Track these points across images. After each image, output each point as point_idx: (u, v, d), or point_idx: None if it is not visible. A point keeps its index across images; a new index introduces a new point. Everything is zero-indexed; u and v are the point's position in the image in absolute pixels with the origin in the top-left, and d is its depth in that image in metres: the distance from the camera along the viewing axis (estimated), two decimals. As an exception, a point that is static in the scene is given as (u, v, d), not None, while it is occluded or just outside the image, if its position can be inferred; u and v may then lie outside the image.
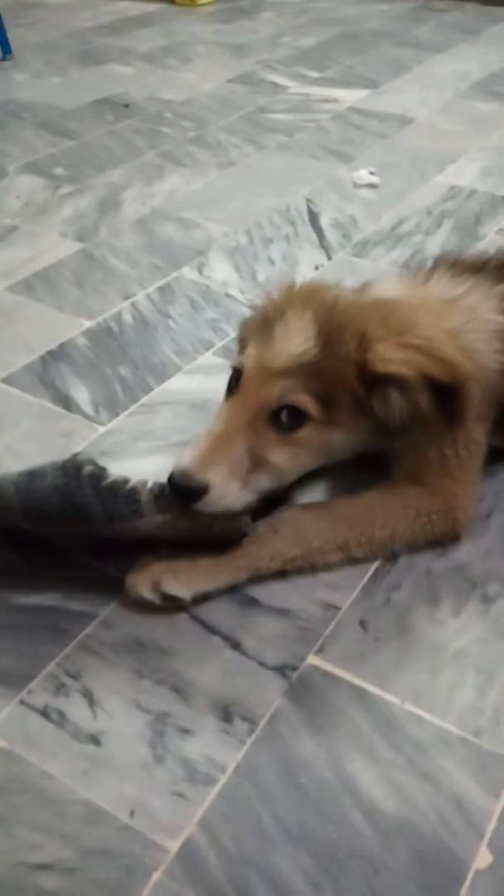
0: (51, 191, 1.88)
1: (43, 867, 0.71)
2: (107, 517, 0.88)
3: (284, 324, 0.88)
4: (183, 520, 0.89)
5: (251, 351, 0.90)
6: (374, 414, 0.89)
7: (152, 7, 3.44)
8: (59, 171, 1.98)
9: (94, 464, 0.90)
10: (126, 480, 0.89)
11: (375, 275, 1.48)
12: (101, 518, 0.88)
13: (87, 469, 0.88)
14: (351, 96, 2.42)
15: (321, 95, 2.43)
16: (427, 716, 0.82)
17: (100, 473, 0.88)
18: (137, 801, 0.75)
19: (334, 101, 2.39)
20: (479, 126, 2.19)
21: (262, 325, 0.91)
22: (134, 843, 0.72)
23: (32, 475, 0.90)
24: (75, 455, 0.88)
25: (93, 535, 0.90)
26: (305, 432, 0.89)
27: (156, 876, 0.70)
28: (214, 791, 0.76)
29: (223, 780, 0.77)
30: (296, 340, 0.87)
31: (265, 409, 0.88)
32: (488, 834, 0.73)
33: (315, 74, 2.61)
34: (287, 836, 0.73)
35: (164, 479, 0.89)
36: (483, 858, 0.71)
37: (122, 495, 0.88)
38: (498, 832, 0.73)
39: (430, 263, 1.05)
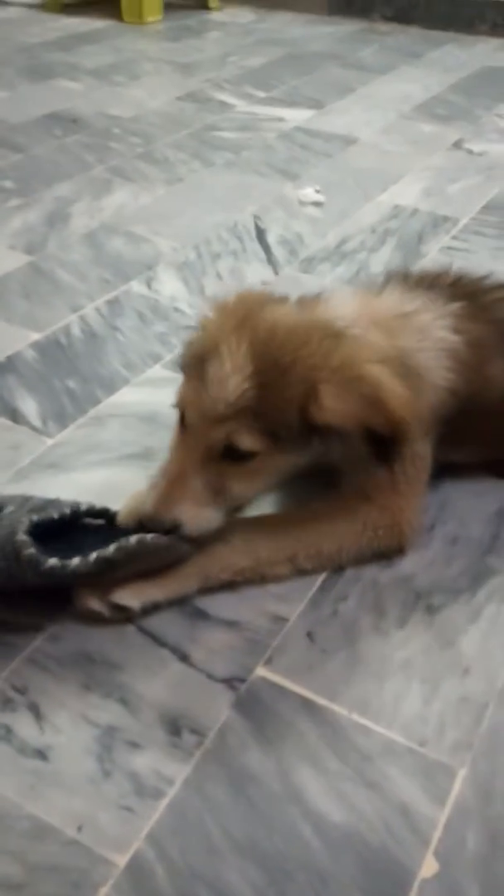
0: (-3, 203, 1.87)
1: (-11, 884, 0.70)
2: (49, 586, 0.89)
3: (219, 362, 0.86)
4: (127, 568, 0.90)
5: (189, 392, 0.89)
6: (314, 448, 0.90)
7: (100, 24, 3.45)
8: (8, 184, 1.97)
9: (33, 545, 0.86)
10: (65, 566, 0.86)
11: (322, 290, 1.51)
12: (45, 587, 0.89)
13: (26, 554, 0.85)
14: (297, 116, 2.45)
15: (268, 115, 2.46)
16: (373, 726, 0.83)
17: (38, 560, 0.85)
18: (85, 815, 0.75)
19: (280, 120, 2.42)
20: (421, 147, 2.24)
21: (198, 359, 0.89)
22: (81, 859, 0.72)
23: None
24: (13, 535, 0.85)
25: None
26: (258, 461, 0.89)
27: (104, 891, 0.70)
28: (163, 805, 0.76)
29: (171, 793, 0.77)
30: (232, 383, 0.85)
31: (214, 448, 0.88)
32: (434, 842, 0.74)
33: (262, 94, 2.64)
34: (236, 849, 0.73)
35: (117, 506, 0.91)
36: (429, 867, 0.72)
37: (63, 577, 0.87)
38: (443, 841, 0.74)
39: (382, 277, 1.06)
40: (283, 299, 0.96)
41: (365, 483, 0.98)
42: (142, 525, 0.89)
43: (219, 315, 0.92)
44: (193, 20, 3.55)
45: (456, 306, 0.98)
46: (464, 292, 1.02)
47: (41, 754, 0.79)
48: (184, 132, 2.32)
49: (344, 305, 0.94)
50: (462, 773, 0.79)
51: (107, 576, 0.89)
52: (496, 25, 3.29)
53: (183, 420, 0.91)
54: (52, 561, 0.86)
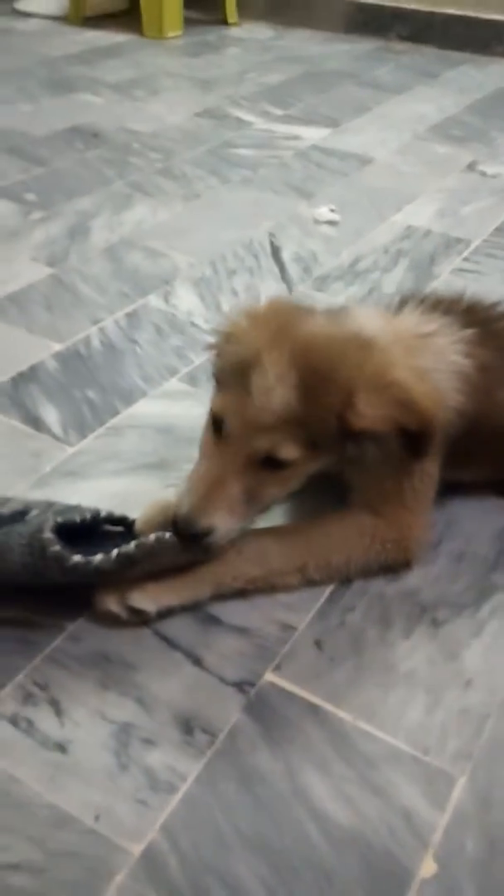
0: (22, 216, 1.92)
1: (12, 867, 0.74)
2: (73, 584, 0.94)
3: (262, 373, 0.88)
4: (146, 565, 0.94)
5: (231, 403, 0.91)
6: (349, 451, 0.94)
7: (121, 38, 3.51)
8: (31, 196, 2.02)
9: (59, 542, 0.91)
10: (88, 562, 0.91)
11: (345, 305, 1.55)
12: (66, 582, 0.93)
13: (52, 550, 0.90)
14: (313, 134, 2.50)
15: (284, 132, 2.51)
16: (378, 733, 0.87)
17: (63, 556, 0.90)
18: (102, 806, 0.79)
19: (297, 138, 2.47)
20: (435, 168, 2.28)
21: (239, 371, 0.91)
22: (99, 847, 0.76)
23: (2, 550, 0.93)
24: (42, 533, 0.90)
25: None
26: (293, 468, 0.92)
27: (119, 878, 0.74)
28: (176, 799, 0.80)
29: (184, 788, 0.81)
30: (277, 394, 0.88)
31: (255, 457, 0.91)
32: (433, 845, 0.78)
33: (279, 111, 2.69)
34: (244, 844, 0.77)
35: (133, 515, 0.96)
36: (428, 868, 0.76)
37: (84, 573, 0.91)
38: (443, 844, 0.78)
39: (398, 297, 1.10)
40: (311, 310, 0.99)
41: (374, 498, 1.02)
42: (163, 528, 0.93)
43: (254, 325, 0.94)
44: (213, 35, 3.61)
45: (469, 332, 1.03)
46: (476, 319, 1.06)
47: (61, 747, 0.84)
48: (202, 148, 2.37)
49: (369, 320, 0.97)
50: (462, 781, 0.83)
51: (126, 573, 0.93)
52: (511, 47, 3.34)
53: (218, 427, 0.93)
54: (77, 557, 0.90)
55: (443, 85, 3.04)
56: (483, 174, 2.25)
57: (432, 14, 3.46)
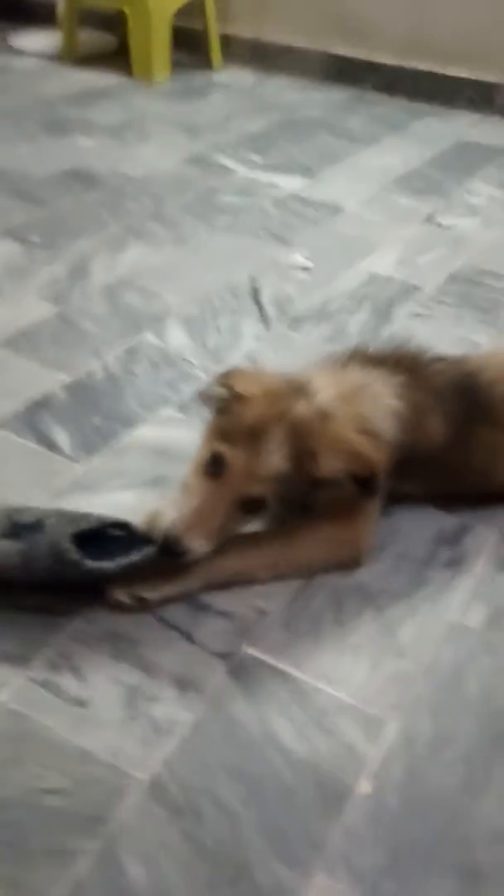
0: (27, 257, 2.16)
1: (47, 791, 0.97)
2: (88, 583, 1.18)
3: (269, 442, 1.15)
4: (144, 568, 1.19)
5: (240, 455, 1.16)
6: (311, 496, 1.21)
7: (112, 79, 3.75)
8: (35, 238, 2.25)
9: (76, 552, 1.14)
10: (100, 568, 1.14)
11: (305, 347, 1.82)
12: (84, 582, 1.18)
13: (70, 558, 1.13)
14: (290, 183, 2.76)
15: (264, 181, 2.76)
16: (330, 690, 1.11)
17: (80, 563, 1.13)
18: (116, 746, 1.02)
19: (275, 186, 2.72)
20: (398, 219, 2.55)
21: (248, 433, 1.16)
22: (114, 776, 0.99)
23: (28, 559, 1.15)
24: (61, 544, 1.14)
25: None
26: (263, 512, 1.21)
27: (131, 798, 0.97)
28: (174, 741, 1.04)
29: (180, 733, 1.05)
30: (276, 459, 1.15)
31: (244, 500, 1.18)
32: (369, 770, 1.02)
33: (259, 160, 2.95)
34: (227, 773, 1.01)
35: (138, 522, 1.20)
36: (364, 786, 1.01)
37: (99, 576, 1.15)
38: (377, 771, 1.02)
39: (347, 353, 1.36)
40: (287, 380, 1.25)
41: (330, 511, 1.27)
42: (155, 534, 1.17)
43: (264, 401, 1.19)
44: (198, 80, 3.86)
45: (401, 378, 1.30)
46: (407, 366, 1.34)
47: (82, 703, 1.07)
48: (189, 194, 2.62)
49: (323, 385, 1.24)
50: (393, 726, 1.08)
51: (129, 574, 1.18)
52: (473, 101, 3.63)
53: (214, 466, 1.18)
54: (91, 563, 1.14)
55: (409, 136, 3.31)
56: (439, 225, 2.52)
57: (402, 68, 3.74)
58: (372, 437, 1.21)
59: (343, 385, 1.26)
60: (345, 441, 1.19)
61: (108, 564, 1.15)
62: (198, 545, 1.16)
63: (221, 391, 1.23)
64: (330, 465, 1.17)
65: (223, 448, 1.18)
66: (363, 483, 1.20)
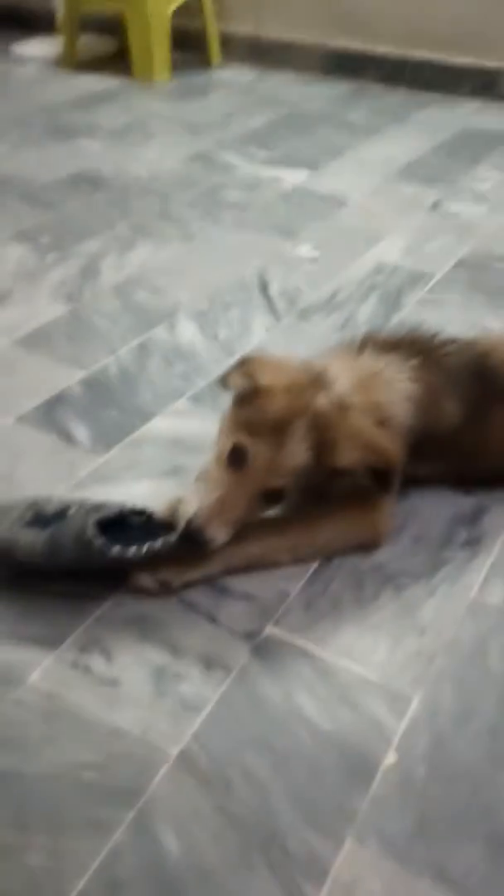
0: (39, 258, 2.19)
1: (83, 766, 1.00)
2: (112, 568, 1.21)
3: (292, 436, 1.17)
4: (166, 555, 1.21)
5: (263, 449, 1.18)
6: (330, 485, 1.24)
7: (113, 83, 3.78)
8: (45, 240, 2.29)
9: (100, 538, 1.17)
10: (125, 552, 1.17)
11: (316, 337, 1.84)
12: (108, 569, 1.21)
13: (96, 545, 1.16)
14: (294, 177, 2.78)
15: (268, 175, 2.79)
16: (353, 666, 1.14)
17: (105, 550, 1.16)
18: (147, 722, 1.05)
19: (280, 180, 2.75)
20: (402, 208, 2.57)
21: (272, 426, 1.18)
22: (146, 750, 1.02)
23: (54, 547, 1.19)
24: (86, 532, 1.16)
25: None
26: (282, 502, 1.23)
27: (163, 770, 1.00)
28: (202, 716, 1.06)
29: (208, 709, 1.07)
30: (298, 452, 1.18)
31: (264, 490, 1.20)
32: (395, 743, 1.05)
33: (263, 154, 2.97)
34: (254, 746, 1.03)
35: (158, 510, 1.24)
36: (391, 758, 1.03)
37: (123, 561, 1.18)
38: (401, 743, 1.05)
39: (359, 339, 1.38)
40: (304, 367, 1.27)
41: (350, 493, 1.29)
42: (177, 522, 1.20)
43: (288, 395, 1.20)
44: (199, 78, 3.89)
45: (414, 361, 1.32)
46: (420, 349, 1.36)
47: (113, 682, 1.10)
48: (195, 191, 2.65)
49: (339, 372, 1.26)
50: (416, 700, 1.10)
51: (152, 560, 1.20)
52: (475, 89, 3.64)
53: (237, 458, 1.20)
54: (116, 549, 1.17)
55: (412, 126, 3.33)
56: (445, 213, 2.54)
57: (402, 58, 3.76)
58: (389, 426, 1.24)
59: (359, 372, 1.28)
60: (363, 433, 1.21)
61: (131, 550, 1.17)
62: (220, 534, 1.19)
63: (242, 381, 1.24)
64: (348, 456, 1.20)
65: (246, 440, 1.20)
66: (380, 475, 1.22)
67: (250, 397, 1.23)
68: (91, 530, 1.18)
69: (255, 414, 1.21)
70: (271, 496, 1.22)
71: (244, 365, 1.26)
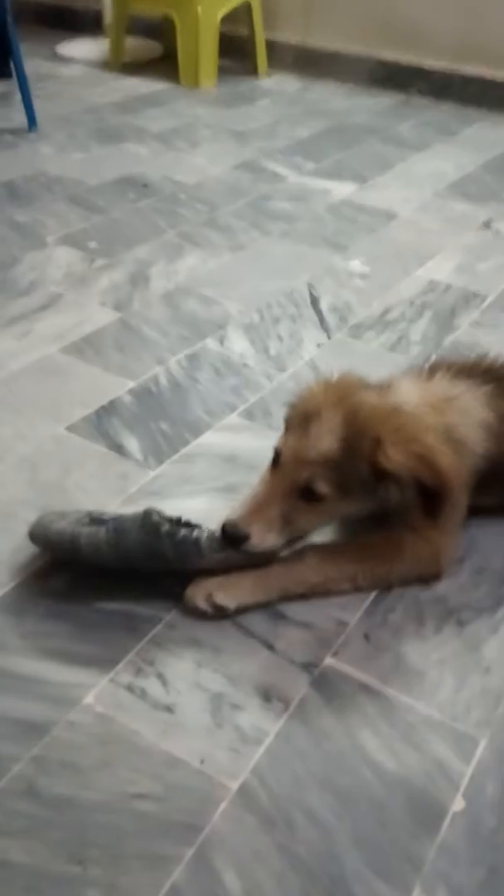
0: (87, 263, 2.17)
1: (139, 796, 0.97)
2: (178, 560, 1.18)
3: (319, 424, 1.14)
4: (231, 557, 1.18)
5: (290, 440, 1.17)
6: (377, 497, 1.18)
7: (159, 86, 3.77)
8: (93, 244, 2.27)
9: (168, 521, 1.17)
10: (190, 534, 1.16)
11: (367, 355, 1.81)
12: (173, 560, 1.18)
13: (164, 528, 1.16)
14: (342, 189, 2.75)
15: (316, 187, 2.76)
16: (417, 705, 1.10)
17: (174, 531, 1.16)
18: (205, 753, 1.02)
19: (328, 192, 2.72)
20: (454, 225, 2.53)
21: (302, 418, 1.17)
22: (204, 783, 0.99)
23: (119, 533, 1.17)
24: (151, 515, 1.16)
25: (165, 570, 1.19)
26: (325, 504, 1.18)
27: (223, 805, 0.97)
28: (261, 749, 1.03)
29: (267, 742, 1.04)
30: (325, 440, 1.14)
31: (296, 486, 1.16)
32: (462, 787, 1.01)
33: (310, 165, 2.95)
34: (316, 783, 1.00)
35: (214, 524, 1.18)
36: (458, 804, 0.99)
37: (190, 545, 1.16)
38: (469, 787, 1.01)
39: (431, 363, 1.35)
40: (368, 384, 1.24)
41: (412, 521, 1.25)
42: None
43: (322, 390, 1.20)
44: (244, 86, 3.87)
45: (488, 388, 1.28)
46: (493, 376, 1.31)
47: (169, 709, 1.07)
48: (242, 201, 2.62)
49: (408, 392, 1.24)
50: (483, 742, 1.06)
51: (208, 563, 1.18)
52: (523, 107, 3.61)
53: (276, 461, 1.19)
54: (184, 531, 1.16)
55: (460, 142, 3.29)
56: (497, 232, 2.50)
57: (452, 72, 3.73)
58: (458, 450, 1.20)
59: (431, 395, 1.25)
60: (419, 442, 1.15)
61: (196, 533, 1.16)
62: (257, 533, 1.15)
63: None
64: (393, 458, 1.13)
65: (281, 439, 1.19)
66: (430, 496, 1.16)
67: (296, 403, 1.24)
68: (157, 515, 1.17)
69: (293, 412, 1.22)
70: (307, 493, 1.16)
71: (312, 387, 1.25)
